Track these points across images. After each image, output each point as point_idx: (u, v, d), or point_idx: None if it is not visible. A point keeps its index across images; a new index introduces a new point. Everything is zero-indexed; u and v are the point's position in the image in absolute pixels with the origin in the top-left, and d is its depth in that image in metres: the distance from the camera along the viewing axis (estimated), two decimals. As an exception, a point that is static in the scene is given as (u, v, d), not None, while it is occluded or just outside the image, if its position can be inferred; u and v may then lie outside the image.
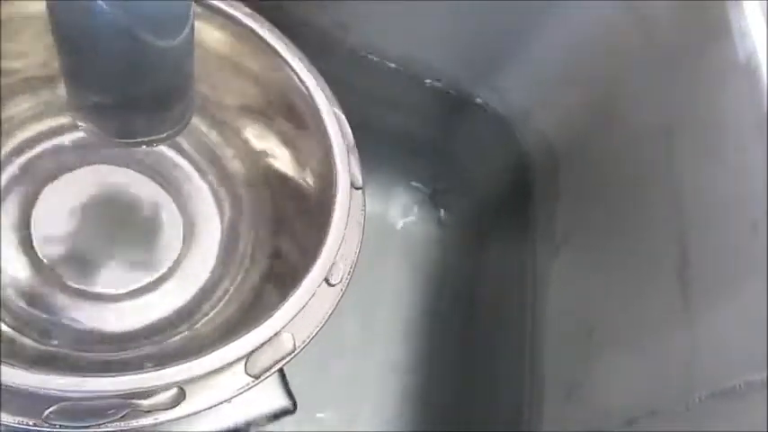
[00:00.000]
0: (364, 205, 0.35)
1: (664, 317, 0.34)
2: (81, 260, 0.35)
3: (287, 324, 0.30)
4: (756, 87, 0.33)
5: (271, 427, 0.39)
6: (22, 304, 0.33)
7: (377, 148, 0.44)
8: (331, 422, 0.44)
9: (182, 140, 0.37)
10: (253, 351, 0.29)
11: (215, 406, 0.29)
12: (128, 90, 0.25)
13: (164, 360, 0.27)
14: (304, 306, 0.30)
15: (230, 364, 0.28)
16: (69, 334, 0.33)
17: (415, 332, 0.48)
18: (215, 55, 0.35)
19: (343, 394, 0.45)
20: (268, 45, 0.34)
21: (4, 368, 0.25)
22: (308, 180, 0.35)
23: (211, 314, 0.35)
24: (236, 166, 0.38)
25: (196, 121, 0.37)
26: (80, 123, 0.27)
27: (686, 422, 0.31)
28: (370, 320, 0.48)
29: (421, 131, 0.55)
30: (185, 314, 0.35)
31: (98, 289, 0.35)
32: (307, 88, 0.34)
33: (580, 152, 0.47)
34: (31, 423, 0.25)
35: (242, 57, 0.35)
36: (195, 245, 0.37)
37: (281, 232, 0.37)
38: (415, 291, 0.50)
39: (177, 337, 0.34)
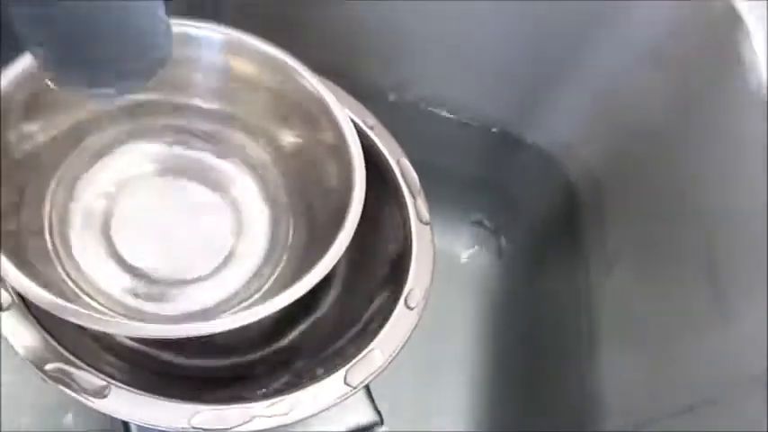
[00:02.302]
0: (433, 239, 0.41)
1: (702, 316, 0.39)
2: (160, 256, 0.39)
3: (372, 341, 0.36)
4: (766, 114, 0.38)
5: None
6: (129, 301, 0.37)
7: (440, 188, 0.48)
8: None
9: (227, 151, 0.43)
10: (351, 365, 0.35)
11: (321, 411, 0.34)
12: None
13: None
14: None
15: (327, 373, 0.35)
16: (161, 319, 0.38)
17: (482, 353, 0.54)
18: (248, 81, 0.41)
19: (419, 411, 0.50)
20: (282, 61, 0.39)
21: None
22: (331, 176, 0.40)
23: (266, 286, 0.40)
24: (272, 166, 0.43)
25: (239, 136, 0.42)
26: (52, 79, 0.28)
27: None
28: (442, 342, 0.54)
29: (478, 171, 0.60)
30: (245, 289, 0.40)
31: (180, 276, 0.39)
32: (326, 104, 0.39)
33: (621, 178, 0.51)
34: (179, 428, 0.32)
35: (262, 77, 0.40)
36: (245, 234, 0.41)
37: (315, 222, 0.41)
38: (480, 314, 0.55)
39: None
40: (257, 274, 0.40)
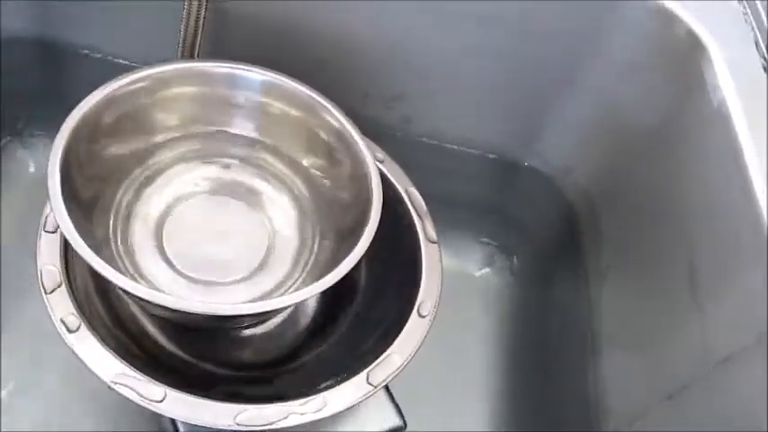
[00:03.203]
0: (441, 257, 0.46)
1: (679, 311, 0.44)
2: (202, 260, 0.45)
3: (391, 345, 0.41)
4: (728, 130, 0.43)
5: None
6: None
7: (452, 214, 0.54)
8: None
9: (262, 172, 0.49)
10: (372, 367, 0.40)
11: (349, 408, 0.39)
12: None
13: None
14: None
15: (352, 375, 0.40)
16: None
17: (497, 359, 0.59)
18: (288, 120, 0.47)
19: (440, 414, 0.55)
20: (311, 97, 0.45)
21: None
22: (350, 195, 0.45)
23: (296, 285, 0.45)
24: (302, 188, 0.48)
25: (273, 160, 0.48)
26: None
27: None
28: (460, 350, 0.59)
29: (485, 197, 0.66)
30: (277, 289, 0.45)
31: (220, 279, 0.44)
32: (349, 134, 0.45)
33: (612, 196, 0.56)
34: (226, 425, 0.37)
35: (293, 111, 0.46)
36: (277, 243, 0.47)
37: (340, 233, 0.45)
38: (494, 325, 0.61)
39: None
40: (287, 276, 0.45)
